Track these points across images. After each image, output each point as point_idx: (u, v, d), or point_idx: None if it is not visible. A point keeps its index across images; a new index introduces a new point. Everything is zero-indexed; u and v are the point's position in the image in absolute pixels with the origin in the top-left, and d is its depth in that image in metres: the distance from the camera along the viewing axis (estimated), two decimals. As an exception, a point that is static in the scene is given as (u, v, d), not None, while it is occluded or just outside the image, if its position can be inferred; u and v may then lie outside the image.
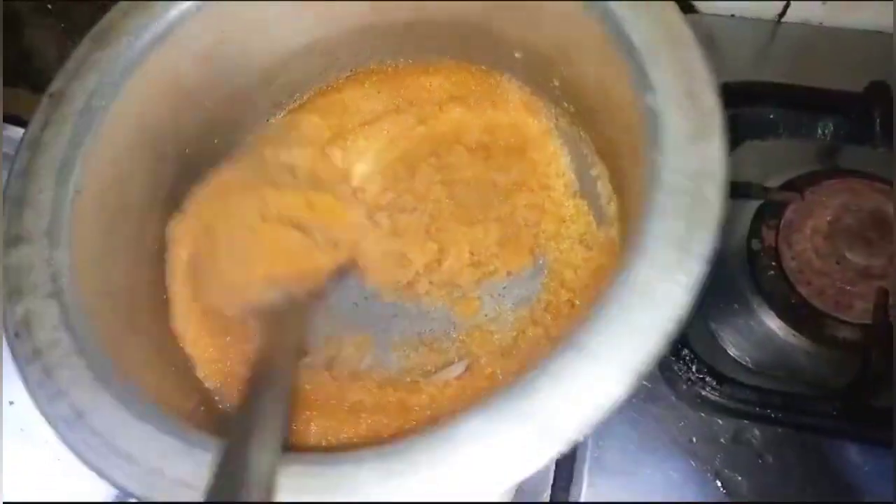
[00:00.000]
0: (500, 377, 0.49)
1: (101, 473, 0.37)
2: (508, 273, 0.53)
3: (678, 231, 0.36)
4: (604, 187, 0.53)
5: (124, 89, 0.47)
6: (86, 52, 0.48)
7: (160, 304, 0.51)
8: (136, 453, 0.37)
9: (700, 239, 0.36)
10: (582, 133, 0.55)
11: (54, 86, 0.47)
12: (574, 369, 0.35)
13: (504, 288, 0.53)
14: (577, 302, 0.51)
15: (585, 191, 0.54)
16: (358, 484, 0.34)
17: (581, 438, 0.33)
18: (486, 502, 0.34)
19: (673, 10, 0.42)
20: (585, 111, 0.53)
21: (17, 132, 0.46)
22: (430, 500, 0.33)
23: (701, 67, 0.40)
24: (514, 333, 0.51)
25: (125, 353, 0.43)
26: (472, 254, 0.53)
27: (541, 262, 0.53)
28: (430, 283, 0.54)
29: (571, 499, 0.49)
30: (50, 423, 0.39)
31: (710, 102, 0.39)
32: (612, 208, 0.52)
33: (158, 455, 0.37)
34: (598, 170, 0.54)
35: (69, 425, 0.38)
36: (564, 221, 0.53)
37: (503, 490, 0.34)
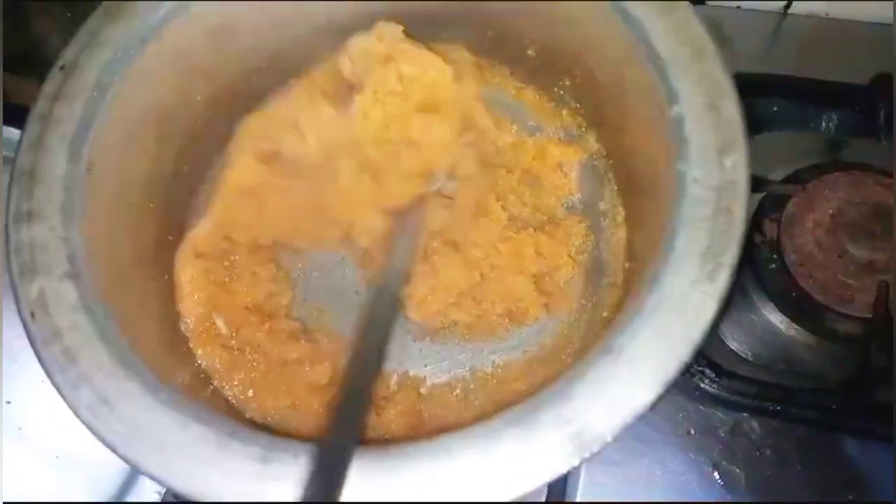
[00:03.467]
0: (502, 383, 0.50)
1: (130, 462, 0.37)
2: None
3: (705, 242, 0.38)
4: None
5: (137, 64, 0.47)
6: (99, 24, 0.47)
7: (163, 286, 0.51)
8: (167, 443, 0.37)
9: (725, 251, 0.37)
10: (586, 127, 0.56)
11: (65, 57, 0.46)
12: (610, 374, 0.36)
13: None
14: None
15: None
16: (399, 482, 0.35)
17: (611, 441, 0.35)
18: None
19: (695, 19, 0.43)
20: (594, 111, 0.54)
21: (15, 134, 0.46)
22: (466, 496, 0.34)
23: (723, 79, 0.41)
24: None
25: (137, 336, 0.42)
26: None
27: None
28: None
29: (569, 488, 0.50)
30: (73, 409, 0.38)
31: (733, 115, 0.40)
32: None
33: (190, 444, 0.37)
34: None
35: (94, 413, 0.38)
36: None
37: (535, 488, 0.35)
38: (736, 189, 0.38)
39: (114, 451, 0.37)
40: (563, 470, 0.34)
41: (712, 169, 0.39)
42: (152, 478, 0.36)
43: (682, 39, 0.42)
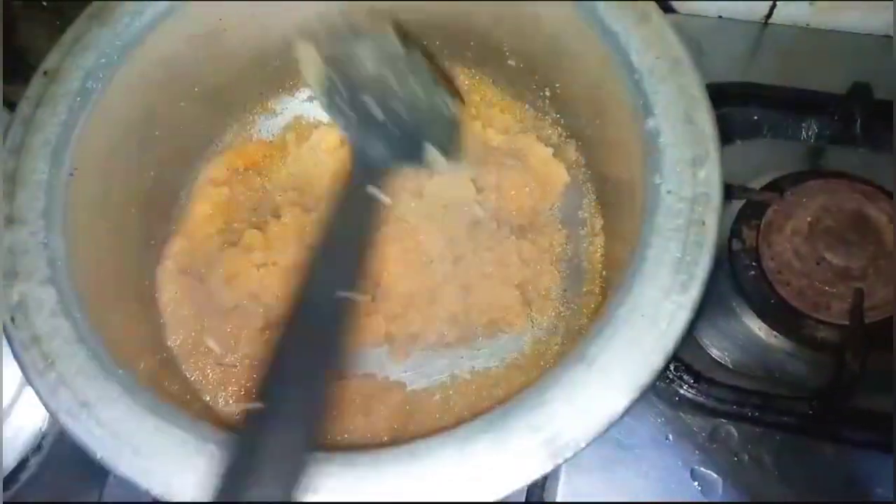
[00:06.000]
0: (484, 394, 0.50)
1: (107, 465, 0.37)
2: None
3: (678, 253, 0.38)
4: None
5: (121, 70, 0.47)
6: (83, 29, 0.47)
7: (146, 291, 0.52)
8: (144, 446, 0.37)
9: (698, 262, 0.38)
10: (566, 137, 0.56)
11: (49, 62, 0.46)
12: (583, 382, 0.36)
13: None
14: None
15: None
16: (374, 487, 0.35)
17: (584, 447, 0.35)
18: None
19: (670, 30, 0.43)
20: (574, 122, 0.55)
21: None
22: (436, 500, 0.35)
23: (697, 91, 0.42)
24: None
25: (117, 341, 0.43)
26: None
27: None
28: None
29: (547, 496, 0.50)
30: (52, 413, 0.39)
31: (707, 127, 0.41)
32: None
33: (168, 448, 0.37)
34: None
35: (73, 416, 0.38)
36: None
37: (509, 493, 0.35)
38: (709, 201, 0.39)
39: (92, 454, 0.37)
40: (536, 475, 0.35)
41: (686, 181, 0.40)
42: (130, 481, 0.37)
43: (657, 52, 0.43)
